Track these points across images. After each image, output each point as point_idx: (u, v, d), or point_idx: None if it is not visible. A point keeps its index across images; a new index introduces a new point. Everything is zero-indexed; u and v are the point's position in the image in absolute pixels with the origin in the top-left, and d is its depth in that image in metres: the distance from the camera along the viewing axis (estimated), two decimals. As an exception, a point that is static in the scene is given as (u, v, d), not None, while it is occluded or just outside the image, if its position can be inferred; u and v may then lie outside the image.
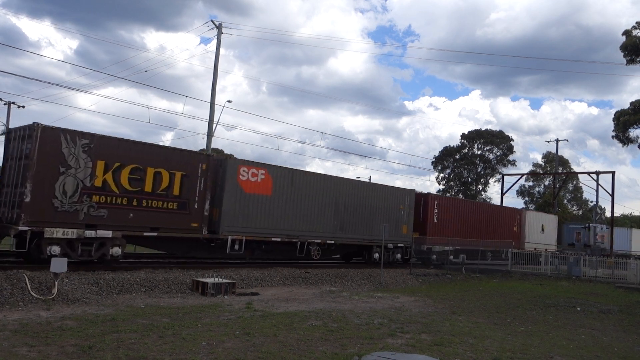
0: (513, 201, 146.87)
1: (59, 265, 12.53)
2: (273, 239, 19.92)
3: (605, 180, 74.28)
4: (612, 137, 37.70)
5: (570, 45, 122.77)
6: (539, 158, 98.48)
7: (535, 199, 74.00)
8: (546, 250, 34.81)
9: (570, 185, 75.38)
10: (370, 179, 45.01)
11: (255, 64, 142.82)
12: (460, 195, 71.31)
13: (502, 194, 46.11)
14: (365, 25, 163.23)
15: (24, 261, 15.58)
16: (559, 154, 55.96)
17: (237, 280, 16.34)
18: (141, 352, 7.83)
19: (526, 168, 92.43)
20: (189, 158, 17.61)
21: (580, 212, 75.76)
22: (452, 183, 73.77)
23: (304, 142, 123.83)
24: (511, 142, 72.90)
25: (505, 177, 50.06)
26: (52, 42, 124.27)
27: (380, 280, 20.74)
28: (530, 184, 76.11)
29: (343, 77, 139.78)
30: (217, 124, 29.78)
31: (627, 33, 32.11)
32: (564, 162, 70.68)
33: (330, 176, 23.12)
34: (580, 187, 73.25)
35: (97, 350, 7.79)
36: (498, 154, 73.11)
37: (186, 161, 17.44)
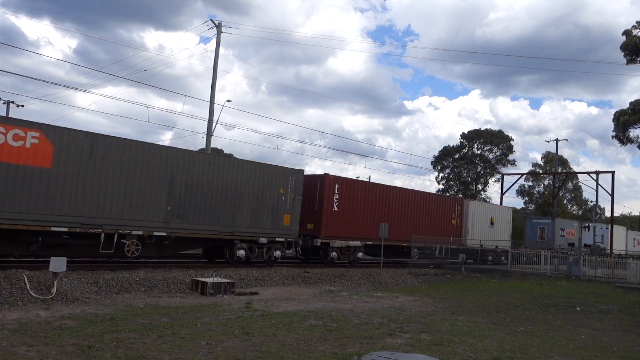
0: (513, 201, 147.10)
1: (58, 264, 12.52)
2: (54, 229, 14.70)
3: (604, 180, 74.35)
4: (612, 137, 37.77)
5: (570, 45, 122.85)
6: (538, 158, 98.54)
7: (534, 199, 74.06)
8: (497, 247, 32.02)
9: (570, 185, 75.44)
10: (369, 179, 44.27)
11: (255, 64, 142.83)
12: (460, 195, 71.24)
13: (502, 193, 46.12)
14: (364, 24, 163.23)
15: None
16: (559, 153, 55.99)
17: (236, 280, 16.34)
18: (140, 351, 7.82)
19: (526, 168, 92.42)
20: None
21: (580, 212, 75.80)
22: (451, 183, 73.82)
23: (303, 142, 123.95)
24: (511, 142, 72.94)
25: (504, 176, 50.08)
26: (51, 41, 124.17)
27: (379, 280, 20.75)
28: (530, 183, 76.18)
29: (342, 77, 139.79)
30: (216, 123, 29.78)
31: (627, 33, 32.13)
32: (563, 162, 70.73)
33: (163, 146, 18.32)
34: (580, 187, 73.33)
35: (97, 349, 7.78)
36: (498, 153, 73.15)
37: None
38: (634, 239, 51.58)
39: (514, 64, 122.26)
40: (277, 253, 20.45)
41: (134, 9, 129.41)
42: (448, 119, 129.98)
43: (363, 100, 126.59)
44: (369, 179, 43.88)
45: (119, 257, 16.79)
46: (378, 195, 25.14)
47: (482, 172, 73.44)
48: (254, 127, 61.08)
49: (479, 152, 73.23)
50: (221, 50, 30.82)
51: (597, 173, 43.22)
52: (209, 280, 15.11)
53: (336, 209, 22.61)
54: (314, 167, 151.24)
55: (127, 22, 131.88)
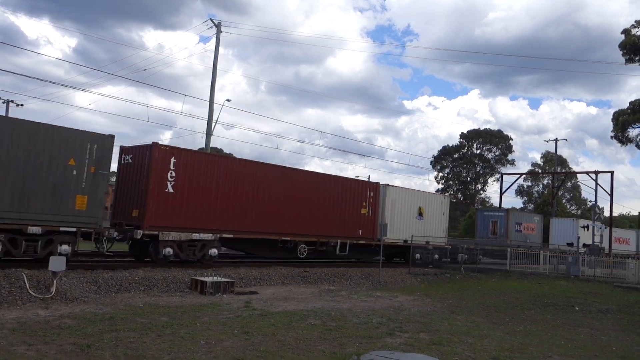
0: (512, 201, 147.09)
1: (57, 264, 12.51)
2: None
3: (604, 179, 74.42)
4: (611, 136, 37.87)
5: (569, 45, 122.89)
6: (537, 158, 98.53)
7: (534, 199, 74.13)
8: (428, 243, 27.28)
9: (569, 184, 75.52)
10: (369, 178, 43.48)
11: (254, 63, 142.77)
12: (460, 195, 71.31)
13: (501, 193, 46.17)
14: (364, 24, 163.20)
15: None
16: (558, 153, 56.07)
17: (235, 279, 16.34)
18: (140, 350, 7.82)
19: (525, 167, 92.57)
20: None
21: (579, 212, 75.88)
22: (451, 182, 73.88)
23: (303, 141, 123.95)
24: (510, 142, 73.08)
25: (504, 176, 50.11)
26: (50, 40, 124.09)
27: (379, 280, 20.75)
28: (529, 183, 76.26)
29: (342, 76, 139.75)
30: (216, 122, 29.78)
31: (626, 32, 32.17)
32: (562, 162, 70.84)
33: None
34: (579, 187, 73.49)
35: (96, 349, 7.78)
36: (497, 153, 73.27)
37: None
38: (616, 237, 46.57)
39: (514, 64, 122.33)
40: (65, 248, 14.99)
41: (133, 8, 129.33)
42: (447, 118, 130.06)
43: (362, 100, 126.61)
44: (369, 178, 42.88)
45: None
46: (243, 174, 19.59)
47: (481, 171, 73.55)
48: (254, 126, 61.13)
49: (478, 152, 73.34)
50: (221, 49, 30.82)
51: (596, 173, 43.27)
52: (209, 279, 15.10)
53: (171, 189, 17.33)
54: (313, 167, 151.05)
55: (126, 22, 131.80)
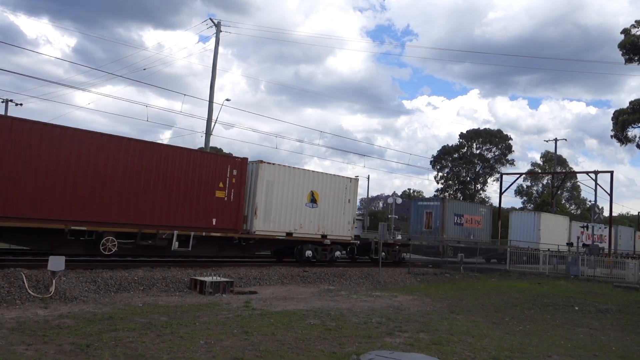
0: (511, 200, 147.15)
1: (56, 263, 12.50)
2: None
3: (603, 179, 74.41)
4: (611, 136, 37.87)
5: (569, 45, 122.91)
6: (537, 157, 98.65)
7: (533, 199, 74.16)
8: (325, 237, 22.18)
9: (569, 184, 75.55)
10: (368, 178, 43.33)
11: (254, 63, 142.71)
12: (460, 195, 71.32)
13: (501, 193, 46.09)
14: (363, 24, 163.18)
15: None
16: (558, 153, 56.07)
17: (235, 279, 16.33)
18: (139, 350, 7.80)
19: (525, 167, 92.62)
20: None
21: (579, 212, 75.91)
22: (450, 182, 73.88)
23: (302, 141, 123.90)
24: (509, 142, 73.06)
25: (503, 176, 50.03)
26: (50, 39, 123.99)
27: (378, 279, 20.75)
28: (529, 183, 76.29)
29: (342, 76, 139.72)
30: (215, 122, 29.77)
31: (625, 31, 32.18)
32: (562, 162, 70.86)
33: None
34: (579, 187, 73.48)
35: (95, 348, 7.77)
36: (496, 153, 73.26)
37: None
38: (581, 232, 41.23)
39: (513, 64, 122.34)
40: None
41: (133, 7, 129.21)
42: (447, 118, 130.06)
43: (362, 100, 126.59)
44: (368, 178, 42.66)
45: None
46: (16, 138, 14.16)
47: (480, 171, 73.54)
48: (253, 126, 61.19)
49: (477, 151, 73.34)
50: (220, 49, 30.81)
51: (596, 173, 43.25)
52: (208, 279, 15.10)
53: None
54: (313, 166, 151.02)
55: (126, 21, 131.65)
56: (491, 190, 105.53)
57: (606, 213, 54.85)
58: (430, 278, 23.29)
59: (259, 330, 9.74)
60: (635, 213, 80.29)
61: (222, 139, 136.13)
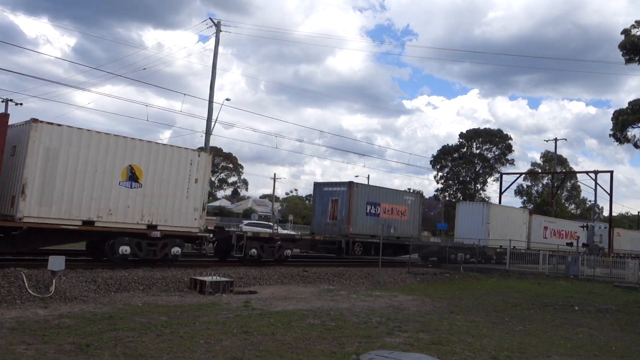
0: (511, 200, 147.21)
1: (56, 263, 12.50)
2: None
3: (603, 179, 74.42)
4: (610, 136, 37.88)
5: (568, 44, 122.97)
6: (537, 157, 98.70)
7: (533, 199, 74.19)
8: (154, 228, 16.74)
9: (569, 184, 75.58)
10: (368, 178, 43.40)
11: (254, 62, 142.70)
12: (459, 195, 71.32)
13: (501, 193, 46.17)
14: (363, 23, 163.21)
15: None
16: (558, 153, 56.07)
17: (235, 279, 16.33)
18: (139, 350, 7.81)
19: (524, 167, 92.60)
20: None
21: (579, 212, 75.93)
22: (450, 182, 73.91)
23: (302, 141, 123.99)
24: (509, 142, 73.12)
25: (503, 176, 50.05)
26: (49, 39, 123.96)
27: (378, 279, 20.75)
28: (529, 183, 76.33)
29: (341, 76, 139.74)
30: (215, 122, 29.77)
31: (626, 32, 32.18)
32: (562, 161, 70.91)
33: None
34: (579, 186, 73.53)
35: (95, 348, 7.77)
36: (496, 153, 73.31)
37: None
38: (545, 227, 37.05)
39: (513, 64, 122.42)
40: None
41: (132, 7, 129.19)
42: (447, 118, 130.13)
43: (362, 100, 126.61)
44: (368, 178, 42.77)
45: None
46: None
47: (480, 171, 73.56)
48: (253, 125, 61.25)
49: (477, 151, 73.36)
50: (220, 49, 30.81)
51: (596, 172, 43.32)
52: (208, 279, 15.10)
53: None
54: (312, 167, 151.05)
55: (125, 21, 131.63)
56: (491, 190, 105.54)
57: (606, 213, 54.78)
58: (430, 278, 23.29)
59: (258, 330, 9.74)
60: (635, 213, 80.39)
61: (222, 139, 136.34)
